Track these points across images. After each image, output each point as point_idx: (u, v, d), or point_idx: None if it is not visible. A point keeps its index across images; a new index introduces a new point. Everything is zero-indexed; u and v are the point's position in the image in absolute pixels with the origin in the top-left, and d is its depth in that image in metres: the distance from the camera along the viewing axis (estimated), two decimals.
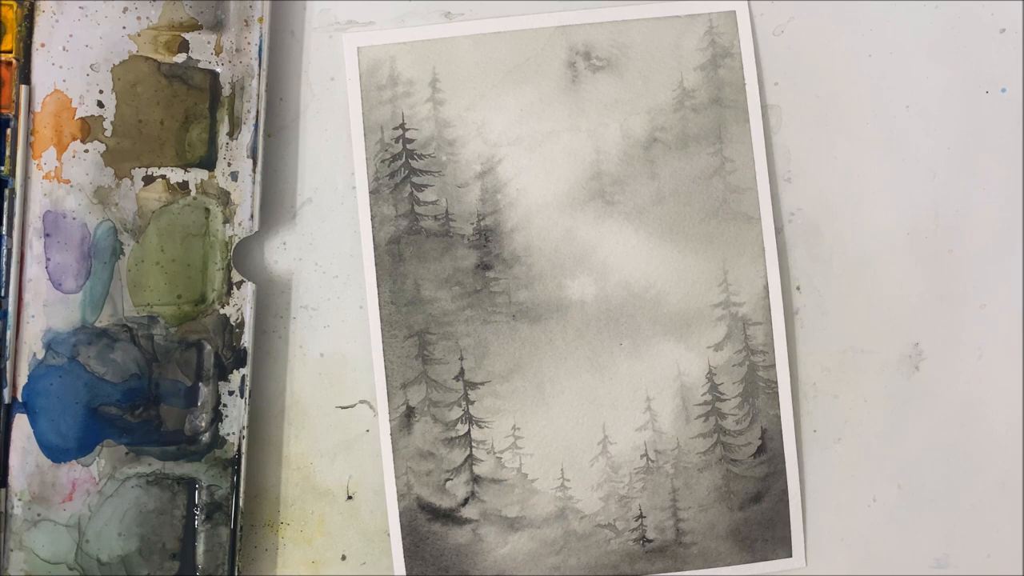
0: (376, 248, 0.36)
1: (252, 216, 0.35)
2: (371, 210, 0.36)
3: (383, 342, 0.36)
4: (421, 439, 0.36)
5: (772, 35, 0.37)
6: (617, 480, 0.36)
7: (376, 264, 0.36)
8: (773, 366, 0.36)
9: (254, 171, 0.35)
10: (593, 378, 0.36)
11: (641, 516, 0.36)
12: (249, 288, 0.35)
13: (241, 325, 0.35)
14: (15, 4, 0.33)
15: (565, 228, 0.36)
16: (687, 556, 0.36)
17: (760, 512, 0.36)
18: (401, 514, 0.36)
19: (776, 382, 0.36)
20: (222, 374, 0.35)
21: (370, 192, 0.36)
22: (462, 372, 0.36)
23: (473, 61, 0.36)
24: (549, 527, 0.36)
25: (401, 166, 0.36)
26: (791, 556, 0.36)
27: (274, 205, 0.37)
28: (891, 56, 0.38)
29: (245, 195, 0.35)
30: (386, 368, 0.36)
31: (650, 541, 0.36)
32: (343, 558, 0.37)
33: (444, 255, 0.36)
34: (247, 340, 0.35)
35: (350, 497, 0.37)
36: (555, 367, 0.36)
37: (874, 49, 0.38)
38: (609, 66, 0.36)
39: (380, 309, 0.36)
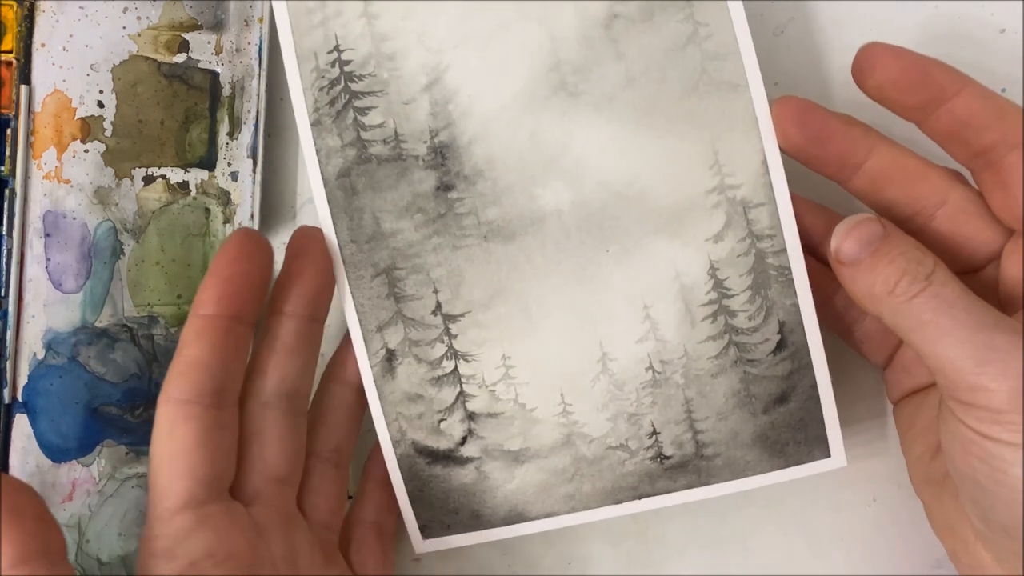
0: (326, 184, 0.30)
1: (252, 216, 0.33)
2: (315, 144, 0.30)
3: (350, 285, 0.31)
4: (407, 382, 0.31)
5: (772, 35, 0.33)
6: (623, 398, 0.30)
7: (329, 202, 0.30)
8: (784, 250, 0.29)
9: (254, 171, 0.32)
10: (582, 292, 0.30)
11: (655, 432, 0.31)
12: None
13: None
14: (15, 4, 0.31)
15: (528, 131, 0.30)
16: (711, 469, 0.31)
17: (788, 413, 0.30)
18: (399, 461, 0.31)
19: (789, 268, 0.29)
20: None
21: (311, 125, 0.30)
22: (439, 306, 0.31)
23: None
24: (557, 456, 0.31)
25: (341, 91, 0.30)
26: (829, 456, 0.30)
27: (274, 205, 0.34)
28: None
29: (245, 195, 0.33)
30: (357, 311, 0.31)
31: (668, 458, 0.31)
32: None
33: (400, 181, 0.30)
34: None
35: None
36: (539, 286, 0.30)
37: None
38: None
39: (340, 250, 0.30)
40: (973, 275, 0.29)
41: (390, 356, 0.31)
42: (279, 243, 0.34)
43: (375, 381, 0.31)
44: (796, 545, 0.34)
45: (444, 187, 0.30)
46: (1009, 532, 0.25)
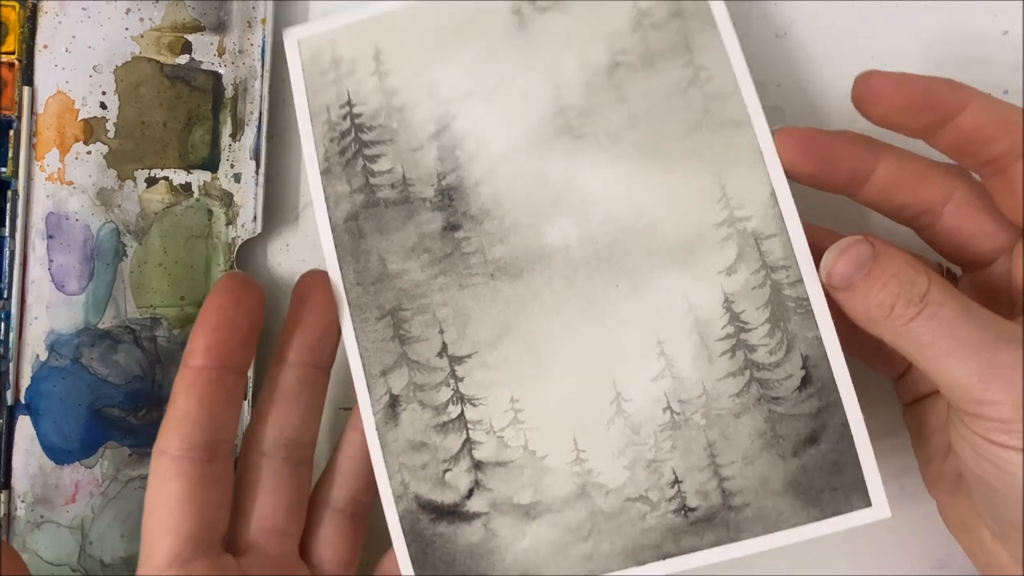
0: (334, 229, 0.30)
1: (255, 218, 0.32)
2: (324, 191, 0.30)
3: (354, 328, 0.30)
4: (410, 429, 0.29)
5: (775, 37, 0.34)
6: (640, 442, 0.28)
7: (336, 245, 0.30)
8: (800, 280, 0.28)
9: (257, 173, 0.32)
10: (593, 329, 0.29)
11: (677, 481, 0.28)
12: None
13: None
14: (17, 5, 0.31)
15: (534, 171, 0.30)
16: (741, 522, 0.28)
17: (820, 456, 0.28)
18: (401, 518, 0.29)
19: (807, 298, 0.28)
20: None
21: (321, 173, 0.31)
22: (444, 347, 0.29)
23: (414, 31, 0.31)
24: (571, 509, 0.28)
25: (351, 141, 0.31)
26: (869, 504, 0.28)
27: (277, 207, 0.34)
28: (894, 58, 0.33)
29: (248, 197, 0.32)
30: (361, 355, 0.29)
31: (693, 510, 0.28)
32: None
33: (407, 222, 0.30)
34: None
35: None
36: (547, 324, 0.29)
37: (877, 51, 0.33)
38: (555, 5, 0.31)
39: (346, 292, 0.30)
40: (984, 270, 0.28)
41: (393, 402, 0.29)
42: (282, 244, 0.34)
43: (377, 429, 0.29)
44: (798, 545, 0.31)
45: (451, 227, 0.30)
46: (1021, 530, 0.25)
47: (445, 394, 0.29)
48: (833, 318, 0.28)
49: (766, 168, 0.29)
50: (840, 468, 0.28)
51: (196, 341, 0.27)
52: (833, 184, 0.28)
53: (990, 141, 0.27)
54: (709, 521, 0.28)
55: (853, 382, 0.28)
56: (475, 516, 0.29)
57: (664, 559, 0.28)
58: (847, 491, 0.28)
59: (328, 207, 0.30)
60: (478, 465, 0.29)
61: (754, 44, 0.33)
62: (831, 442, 0.28)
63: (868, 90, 0.27)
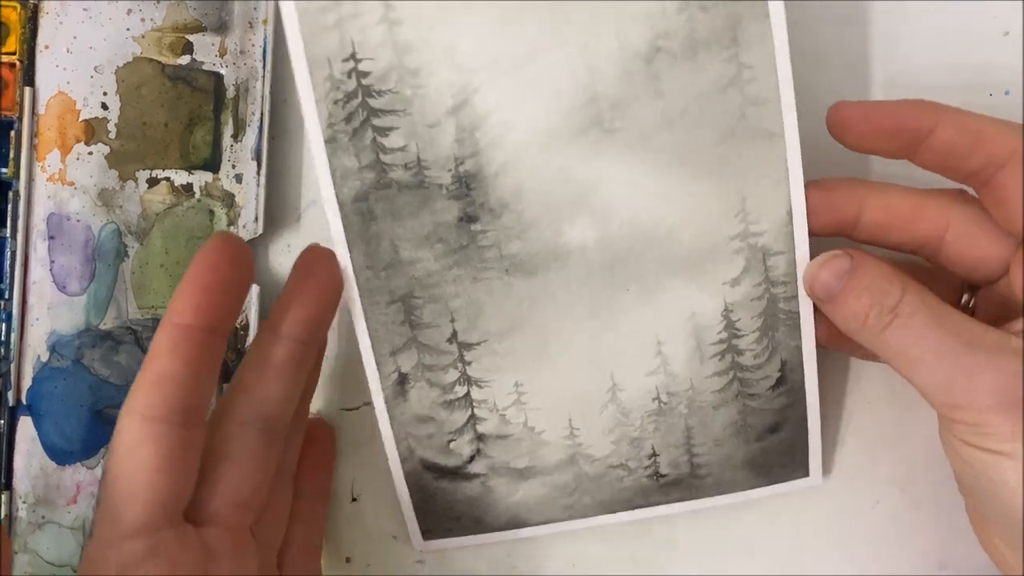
0: (342, 207, 0.28)
1: (256, 218, 0.32)
2: (329, 162, 0.28)
3: (364, 309, 0.29)
4: (418, 404, 0.31)
5: None
6: (628, 424, 0.31)
7: (344, 227, 0.29)
8: (795, 297, 0.30)
9: (258, 173, 0.31)
10: (599, 327, 0.30)
11: (654, 455, 0.32)
12: (253, 291, 0.32)
13: (246, 328, 0.32)
14: (18, 5, 0.30)
15: (559, 167, 0.28)
16: (701, 486, 0.32)
17: (777, 441, 0.32)
18: (407, 475, 0.32)
19: (798, 313, 0.30)
20: (227, 377, 0.32)
21: (326, 142, 0.28)
22: (455, 334, 0.30)
23: None
24: (560, 472, 0.32)
25: (358, 106, 0.28)
26: (808, 475, 0.33)
27: (278, 207, 0.33)
28: (894, 58, 0.31)
29: (249, 197, 0.32)
30: (371, 336, 0.30)
31: (664, 476, 0.32)
32: (347, 560, 0.33)
33: (421, 210, 0.29)
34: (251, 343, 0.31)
35: (354, 499, 0.33)
36: (558, 322, 0.30)
37: (876, 51, 0.31)
38: None
39: (356, 275, 0.29)
40: (994, 285, 0.29)
41: (403, 379, 0.30)
42: (283, 246, 0.33)
43: (386, 402, 0.30)
44: (800, 548, 0.35)
45: (468, 218, 0.29)
46: (1010, 528, 0.25)
47: (453, 375, 0.30)
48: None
49: (789, 186, 0.29)
50: (793, 451, 0.32)
51: (185, 299, 0.25)
52: (824, 227, 0.29)
53: (966, 156, 0.27)
54: (676, 484, 0.32)
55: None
56: (475, 476, 0.32)
57: (633, 510, 0.33)
58: (793, 467, 0.32)
59: (335, 182, 0.28)
60: (480, 437, 0.31)
61: None
62: (790, 431, 0.32)
63: (838, 120, 0.27)
